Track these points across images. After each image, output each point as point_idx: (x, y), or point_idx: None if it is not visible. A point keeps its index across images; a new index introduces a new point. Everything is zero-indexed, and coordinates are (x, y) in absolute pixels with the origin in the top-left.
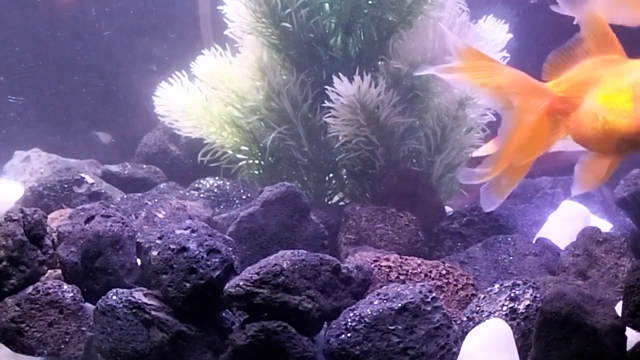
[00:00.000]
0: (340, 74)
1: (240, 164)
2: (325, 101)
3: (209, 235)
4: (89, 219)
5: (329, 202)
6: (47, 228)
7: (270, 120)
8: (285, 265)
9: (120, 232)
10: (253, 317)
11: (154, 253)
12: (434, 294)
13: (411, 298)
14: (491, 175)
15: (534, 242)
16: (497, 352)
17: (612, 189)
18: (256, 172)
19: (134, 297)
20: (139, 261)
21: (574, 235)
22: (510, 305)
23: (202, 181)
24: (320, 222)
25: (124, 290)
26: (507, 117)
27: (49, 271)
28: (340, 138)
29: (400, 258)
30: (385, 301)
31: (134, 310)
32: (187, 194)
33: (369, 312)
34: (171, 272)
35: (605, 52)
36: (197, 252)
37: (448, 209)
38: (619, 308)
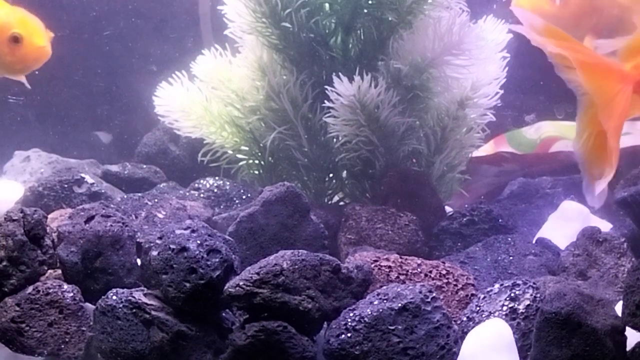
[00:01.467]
0: (340, 74)
1: (240, 164)
2: (325, 101)
3: (209, 235)
4: (89, 219)
5: (329, 202)
6: (47, 228)
7: (270, 120)
8: (285, 265)
9: (120, 232)
10: (253, 317)
11: (154, 253)
12: (434, 294)
13: (411, 298)
14: (613, 170)
15: (534, 242)
16: (497, 352)
17: (612, 189)
18: (256, 172)
19: (134, 297)
20: (139, 261)
21: (574, 235)
22: (510, 305)
23: (202, 181)
24: (320, 222)
25: (124, 290)
26: (599, 101)
27: (49, 271)
28: (340, 138)
29: (400, 258)
30: (385, 301)
31: (134, 310)
32: (187, 194)
33: (369, 312)
34: (171, 272)
35: None
36: (197, 252)
37: (448, 209)
38: (619, 308)
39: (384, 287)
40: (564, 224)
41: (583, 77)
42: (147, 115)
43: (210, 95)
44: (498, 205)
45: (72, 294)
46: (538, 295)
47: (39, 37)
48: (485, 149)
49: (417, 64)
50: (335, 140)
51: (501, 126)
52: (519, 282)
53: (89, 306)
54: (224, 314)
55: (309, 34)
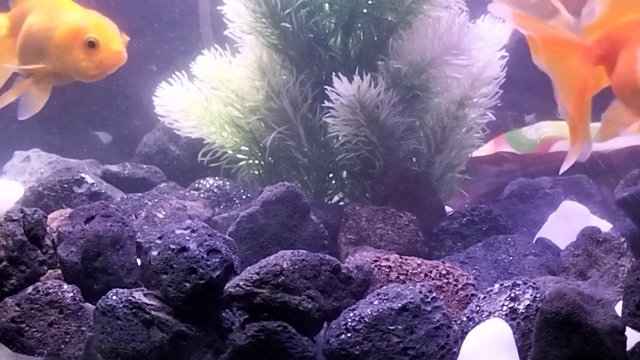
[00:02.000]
0: (340, 74)
1: (240, 164)
2: (325, 101)
3: (209, 235)
4: (89, 219)
5: (329, 202)
6: (47, 228)
7: (270, 120)
8: (285, 265)
9: (120, 232)
10: (253, 317)
11: (154, 253)
12: (434, 294)
13: (411, 298)
14: (578, 144)
15: (534, 242)
16: (497, 352)
17: (612, 189)
18: (256, 172)
19: (134, 297)
20: (139, 261)
21: (574, 235)
22: (510, 305)
23: (202, 181)
24: (320, 222)
25: (124, 290)
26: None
27: (49, 271)
28: (340, 138)
29: (400, 258)
30: (385, 301)
31: (134, 310)
32: (187, 194)
33: (369, 312)
34: (171, 272)
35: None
36: (197, 252)
37: (448, 209)
38: (619, 308)
39: (384, 287)
40: (564, 224)
41: (544, 53)
42: (147, 115)
43: (210, 95)
44: (498, 205)
45: (72, 294)
46: (538, 295)
47: (115, 42)
48: (485, 149)
49: (417, 64)
50: (335, 140)
51: (501, 126)
52: (519, 282)
53: (89, 306)
54: (224, 314)
55: (309, 34)
